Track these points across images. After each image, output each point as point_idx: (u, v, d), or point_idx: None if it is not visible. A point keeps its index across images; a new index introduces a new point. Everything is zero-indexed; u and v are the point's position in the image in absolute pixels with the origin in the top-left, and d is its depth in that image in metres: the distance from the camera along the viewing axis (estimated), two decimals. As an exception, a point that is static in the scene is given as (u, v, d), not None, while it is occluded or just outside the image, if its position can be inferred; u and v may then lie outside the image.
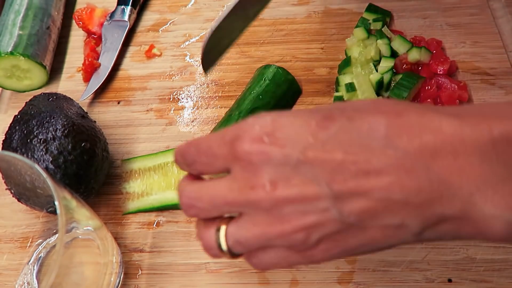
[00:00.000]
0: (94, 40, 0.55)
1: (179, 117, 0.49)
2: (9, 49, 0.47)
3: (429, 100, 0.45)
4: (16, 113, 0.42)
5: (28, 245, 0.42)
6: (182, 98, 0.50)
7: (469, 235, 0.25)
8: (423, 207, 0.24)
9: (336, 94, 0.47)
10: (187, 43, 0.55)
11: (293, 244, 0.26)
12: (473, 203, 0.23)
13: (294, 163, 0.25)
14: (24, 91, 0.51)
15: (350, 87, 0.46)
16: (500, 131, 0.23)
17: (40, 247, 0.41)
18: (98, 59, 0.53)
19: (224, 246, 0.28)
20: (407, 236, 0.25)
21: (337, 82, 0.48)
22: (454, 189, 0.23)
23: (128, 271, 0.40)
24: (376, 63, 0.48)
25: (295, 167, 0.25)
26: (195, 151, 0.28)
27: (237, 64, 0.52)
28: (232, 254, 0.28)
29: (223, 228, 0.28)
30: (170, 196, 0.43)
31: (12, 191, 0.39)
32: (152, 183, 0.44)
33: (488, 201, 0.23)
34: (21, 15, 0.50)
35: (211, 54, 0.39)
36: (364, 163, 0.24)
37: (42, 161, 0.37)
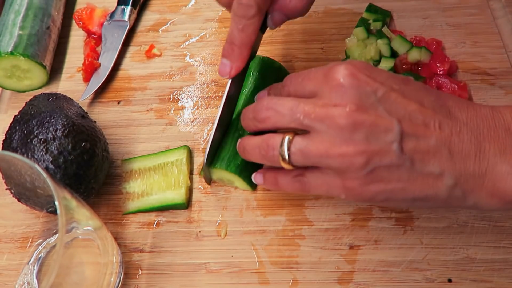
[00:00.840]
0: (94, 40, 0.55)
1: (179, 117, 0.49)
2: (9, 49, 0.47)
3: (429, 100, 0.45)
4: (16, 113, 0.42)
5: (28, 245, 0.42)
6: (182, 98, 0.50)
7: (487, 195, 0.30)
8: (461, 163, 0.30)
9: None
10: (187, 43, 0.55)
11: (350, 167, 0.30)
12: (495, 163, 0.29)
13: (378, 97, 0.30)
14: (24, 91, 0.51)
15: None
16: None
17: (40, 247, 0.41)
18: (98, 59, 0.53)
19: (285, 150, 0.32)
20: (442, 188, 0.30)
21: (337, 82, 0.48)
22: (485, 152, 0.30)
23: (128, 271, 0.40)
24: (376, 63, 0.48)
25: (378, 100, 0.30)
26: (292, 75, 0.35)
27: (237, 64, 0.52)
28: (288, 161, 0.32)
29: (290, 136, 0.32)
30: (170, 196, 0.43)
31: (12, 191, 0.39)
32: (152, 183, 0.44)
33: (506, 162, 0.29)
34: (21, 15, 0.50)
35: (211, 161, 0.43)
36: (430, 117, 0.30)
37: (42, 161, 0.37)
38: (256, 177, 0.38)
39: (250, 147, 0.35)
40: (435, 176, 0.30)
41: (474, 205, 0.31)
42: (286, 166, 0.33)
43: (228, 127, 0.43)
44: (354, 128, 0.29)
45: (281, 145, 0.32)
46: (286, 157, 0.32)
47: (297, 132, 0.32)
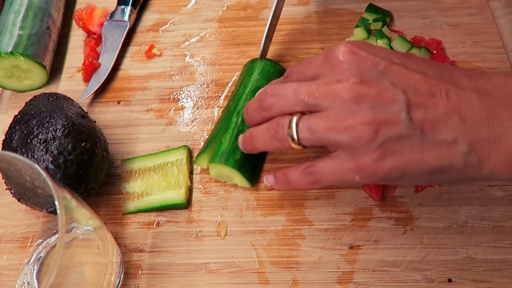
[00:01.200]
0: (94, 40, 0.55)
1: (179, 117, 0.49)
2: (9, 49, 0.47)
3: (429, 100, 0.45)
4: (16, 113, 0.42)
5: (28, 245, 0.42)
6: (182, 98, 0.50)
7: (503, 162, 0.29)
8: (474, 129, 0.29)
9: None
10: (187, 43, 0.55)
11: (359, 140, 0.29)
12: (509, 128, 0.29)
13: (380, 70, 0.30)
14: (24, 91, 0.51)
15: None
16: None
17: (40, 247, 0.41)
18: (98, 59, 0.53)
19: (294, 129, 0.32)
20: (457, 156, 0.29)
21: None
22: (499, 117, 0.29)
23: (128, 271, 0.40)
24: (376, 63, 0.48)
25: (380, 73, 0.30)
26: (295, 65, 0.35)
27: (237, 64, 0.52)
28: (297, 140, 0.32)
29: (297, 116, 0.32)
30: (170, 196, 0.43)
31: (12, 191, 0.39)
32: (152, 183, 0.44)
33: None
34: (21, 15, 0.50)
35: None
36: (435, 86, 0.30)
37: (42, 161, 0.37)
38: (267, 179, 0.38)
39: (258, 131, 0.35)
40: (449, 144, 0.29)
41: (490, 174, 0.30)
42: (295, 146, 0.32)
43: (227, 124, 0.43)
44: (358, 100, 0.29)
45: (289, 124, 0.32)
46: (295, 135, 0.32)
47: (304, 113, 0.33)
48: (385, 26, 0.51)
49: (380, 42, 0.49)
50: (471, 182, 0.38)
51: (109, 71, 0.52)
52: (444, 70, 0.31)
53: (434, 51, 0.48)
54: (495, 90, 0.30)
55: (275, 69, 0.47)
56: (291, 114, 0.33)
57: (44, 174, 0.30)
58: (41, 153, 0.38)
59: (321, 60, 0.32)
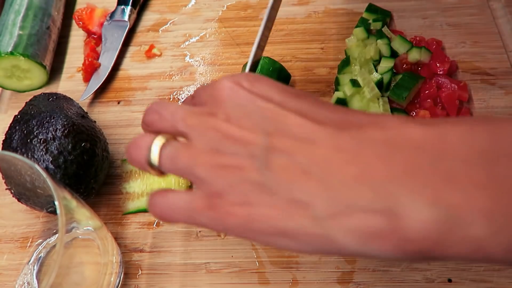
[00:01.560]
0: (94, 40, 0.55)
1: (179, 117, 0.49)
2: (9, 49, 0.47)
3: (429, 100, 0.45)
4: (16, 113, 0.42)
5: (28, 245, 0.42)
6: (182, 98, 0.50)
7: (385, 244, 0.21)
8: (335, 190, 0.23)
9: (336, 93, 0.47)
10: (187, 43, 0.55)
11: (214, 178, 0.26)
12: (388, 193, 0.22)
13: (251, 109, 0.27)
14: (24, 91, 0.51)
15: (355, 83, 0.46)
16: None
17: (40, 247, 0.41)
18: (98, 59, 0.53)
19: (155, 152, 0.28)
20: (307, 222, 0.23)
21: (337, 82, 0.48)
22: (370, 177, 0.22)
23: (128, 271, 0.40)
24: (376, 63, 0.48)
25: (251, 112, 0.27)
26: (203, 85, 0.33)
27: (237, 64, 0.52)
28: (155, 165, 0.28)
29: (164, 138, 0.29)
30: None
31: (12, 191, 0.39)
32: (152, 183, 0.44)
33: (414, 193, 0.21)
34: (21, 15, 0.50)
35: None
36: (310, 132, 0.25)
37: (42, 161, 0.37)
38: None
39: (130, 143, 0.31)
40: (302, 204, 0.24)
41: (361, 251, 0.22)
42: (151, 171, 0.29)
43: None
44: (221, 139, 0.27)
45: (152, 145, 0.29)
46: (155, 160, 0.28)
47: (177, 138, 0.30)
48: (385, 26, 0.51)
49: (380, 42, 0.49)
50: (332, 255, 0.29)
51: (109, 71, 0.52)
52: (334, 113, 0.26)
53: (434, 51, 0.48)
54: (381, 144, 0.23)
55: (274, 67, 0.47)
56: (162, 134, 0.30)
57: (44, 174, 0.30)
58: (41, 153, 0.38)
59: (210, 88, 0.30)
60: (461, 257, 0.20)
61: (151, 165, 0.29)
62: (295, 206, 0.24)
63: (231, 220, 0.26)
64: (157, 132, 0.30)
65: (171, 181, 0.43)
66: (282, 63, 0.49)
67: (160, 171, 0.29)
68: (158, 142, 0.29)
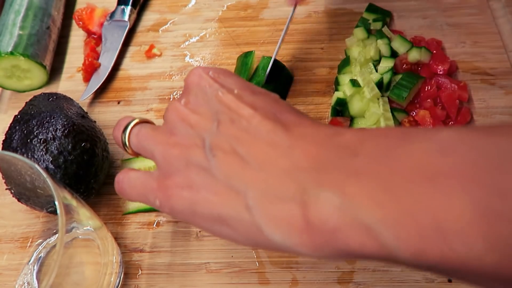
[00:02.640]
0: (94, 40, 0.55)
1: (179, 117, 0.49)
2: (9, 49, 0.47)
3: (429, 100, 0.45)
4: (16, 113, 0.42)
5: (28, 245, 0.42)
6: (182, 98, 0.50)
7: (298, 229, 0.23)
8: (266, 181, 0.25)
9: (336, 93, 0.47)
10: (187, 43, 0.55)
11: (166, 158, 0.28)
12: (306, 185, 0.23)
13: (210, 95, 0.29)
14: (24, 91, 0.51)
15: (355, 83, 0.46)
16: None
17: (40, 247, 0.41)
18: (98, 59, 0.53)
19: (127, 131, 0.32)
20: (242, 210, 0.25)
21: (336, 82, 0.48)
22: (296, 171, 0.24)
23: (128, 271, 0.40)
24: (376, 63, 0.48)
25: (209, 100, 0.29)
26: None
27: (237, 64, 0.52)
28: (126, 142, 0.32)
29: (137, 119, 0.32)
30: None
31: (12, 191, 0.39)
32: (152, 183, 0.44)
33: (323, 184, 0.23)
34: (21, 15, 0.50)
35: None
36: (256, 124, 0.27)
37: (42, 161, 0.37)
38: None
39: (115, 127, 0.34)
40: (237, 192, 0.25)
41: (283, 243, 0.23)
42: (127, 150, 0.32)
43: None
44: (180, 121, 0.29)
45: (127, 126, 0.32)
46: (125, 138, 0.32)
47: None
48: (385, 26, 0.51)
49: (380, 42, 0.49)
50: (265, 248, 0.28)
51: (109, 71, 0.52)
52: (281, 113, 0.28)
53: (434, 51, 0.48)
54: (317, 141, 0.25)
55: (276, 66, 0.47)
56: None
57: (44, 174, 0.30)
58: (41, 153, 0.38)
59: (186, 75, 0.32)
60: (365, 252, 0.22)
61: (124, 143, 0.32)
62: (233, 192, 0.25)
63: (177, 202, 0.27)
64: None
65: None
66: (282, 63, 0.49)
67: (133, 150, 0.32)
68: (132, 123, 0.32)
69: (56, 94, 0.44)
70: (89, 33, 0.55)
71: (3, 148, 0.40)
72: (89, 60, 0.52)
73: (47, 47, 0.51)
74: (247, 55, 0.48)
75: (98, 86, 0.50)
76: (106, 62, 0.52)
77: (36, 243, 0.42)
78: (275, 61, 0.47)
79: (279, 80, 0.47)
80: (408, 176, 0.21)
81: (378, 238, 0.21)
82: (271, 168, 0.25)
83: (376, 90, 0.45)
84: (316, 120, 0.29)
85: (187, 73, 0.32)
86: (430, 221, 0.19)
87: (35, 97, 0.44)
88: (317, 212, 0.22)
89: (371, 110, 0.45)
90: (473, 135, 0.21)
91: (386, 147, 0.23)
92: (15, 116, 0.41)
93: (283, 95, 0.48)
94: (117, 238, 0.42)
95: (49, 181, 0.29)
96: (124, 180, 0.31)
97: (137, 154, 0.32)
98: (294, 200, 0.23)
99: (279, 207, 0.24)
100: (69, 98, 0.45)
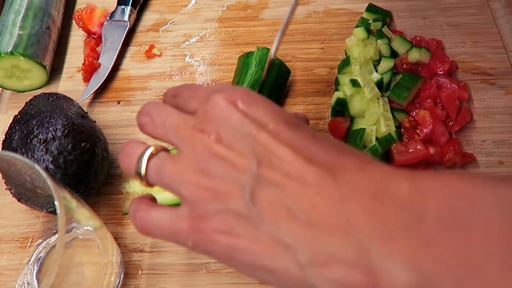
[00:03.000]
0: (94, 40, 0.55)
1: (179, 117, 0.49)
2: (9, 49, 0.47)
3: (429, 100, 0.45)
4: (16, 113, 0.42)
5: (28, 245, 0.42)
6: (182, 98, 0.50)
7: None
8: (319, 238, 0.23)
9: (336, 93, 0.47)
10: (187, 43, 0.55)
11: (198, 200, 0.26)
12: (370, 250, 0.21)
13: (244, 134, 0.26)
14: (24, 91, 0.51)
15: (355, 83, 0.46)
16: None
17: (40, 247, 0.41)
18: (98, 59, 0.53)
19: (142, 163, 0.28)
20: (290, 265, 0.23)
21: (336, 82, 0.48)
22: (354, 230, 0.22)
23: (128, 271, 0.40)
24: (376, 63, 0.48)
25: (243, 137, 0.26)
26: (186, 86, 0.32)
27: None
28: (143, 175, 0.28)
29: (155, 149, 0.28)
30: (170, 196, 0.42)
31: (12, 191, 0.39)
32: (152, 183, 0.44)
33: (394, 255, 0.21)
34: (21, 15, 0.50)
35: None
36: (302, 167, 0.24)
37: (42, 161, 0.37)
38: None
39: (122, 149, 0.30)
40: (286, 246, 0.23)
41: None
42: (140, 181, 0.28)
43: None
44: (211, 160, 0.26)
45: (142, 156, 0.28)
46: (141, 170, 0.28)
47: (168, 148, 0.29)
48: (385, 26, 0.51)
49: (380, 42, 0.49)
50: None
51: (109, 71, 0.52)
52: (324, 152, 0.25)
53: (434, 51, 0.48)
54: (368, 192, 0.23)
55: (274, 62, 0.46)
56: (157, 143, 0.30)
57: (44, 174, 0.30)
58: (41, 153, 0.38)
59: (203, 98, 0.28)
60: None
61: (139, 175, 0.28)
62: (279, 246, 0.23)
63: (214, 247, 0.25)
64: (150, 136, 0.30)
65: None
66: (279, 59, 0.49)
67: (149, 183, 0.28)
68: (147, 153, 0.28)
69: (56, 94, 0.44)
70: (89, 33, 0.55)
71: (3, 148, 0.40)
72: (89, 60, 0.52)
73: (47, 47, 0.51)
74: (248, 55, 0.47)
75: (98, 86, 0.50)
76: (106, 62, 0.52)
77: (36, 243, 0.42)
78: (267, 50, 0.47)
79: (276, 76, 0.47)
80: (489, 249, 0.19)
81: None
82: (324, 224, 0.23)
83: (376, 90, 0.45)
84: (359, 153, 0.26)
85: (205, 98, 0.28)
86: None
87: (35, 97, 0.44)
88: (390, 285, 0.21)
89: (371, 110, 0.45)
90: None
91: (454, 208, 0.20)
92: (15, 116, 0.41)
93: (281, 91, 0.48)
94: (117, 238, 0.42)
95: (49, 181, 0.29)
96: (147, 219, 0.28)
97: (150, 185, 0.29)
98: (356, 265, 0.22)
99: (337, 269, 0.22)
100: (69, 98, 0.45)
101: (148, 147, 0.28)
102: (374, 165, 0.25)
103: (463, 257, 0.19)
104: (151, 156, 0.28)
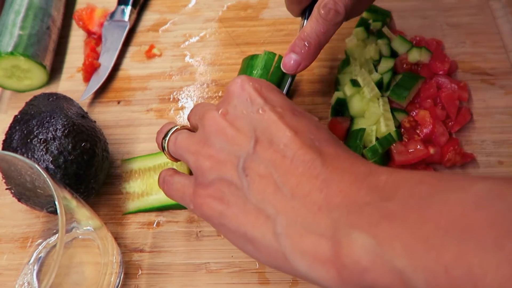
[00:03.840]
0: (94, 40, 0.55)
1: (179, 117, 0.49)
2: (9, 49, 0.47)
3: (429, 100, 0.45)
4: (16, 113, 0.42)
5: (28, 245, 0.42)
6: (182, 98, 0.50)
7: (325, 263, 0.24)
8: (297, 211, 0.25)
9: (336, 93, 0.47)
10: (187, 43, 0.55)
11: (199, 168, 0.30)
12: (338, 222, 0.24)
13: (253, 110, 0.29)
14: (24, 91, 0.51)
15: (355, 83, 0.46)
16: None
17: (40, 247, 0.41)
18: (98, 59, 0.53)
19: (167, 137, 0.34)
20: (268, 234, 0.26)
21: (336, 82, 0.48)
22: (328, 207, 0.24)
23: (128, 271, 0.40)
24: (376, 63, 0.48)
25: (251, 113, 0.29)
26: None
27: (237, 64, 0.52)
28: (165, 148, 0.34)
29: (179, 126, 0.34)
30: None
31: (12, 191, 0.39)
32: (152, 183, 0.44)
33: (358, 226, 0.23)
34: (21, 15, 0.50)
35: None
36: (294, 149, 0.27)
37: (42, 161, 0.37)
38: None
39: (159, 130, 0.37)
40: (267, 216, 0.26)
41: (307, 273, 0.24)
42: (166, 155, 0.35)
43: None
44: (216, 133, 0.29)
45: (168, 131, 0.34)
46: (165, 143, 0.34)
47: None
48: (385, 26, 0.51)
49: (380, 42, 0.49)
50: (288, 273, 0.28)
51: (109, 71, 0.52)
52: (324, 141, 0.28)
53: (434, 51, 0.48)
54: (349, 177, 0.26)
55: (278, 64, 0.46)
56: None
57: (44, 174, 0.30)
58: (41, 153, 0.38)
59: (230, 82, 0.32)
60: None
61: (163, 148, 0.34)
62: (262, 216, 0.26)
63: (208, 212, 0.29)
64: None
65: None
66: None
67: (171, 155, 0.34)
68: (172, 130, 0.34)
69: (56, 94, 0.44)
70: (89, 33, 0.55)
71: (3, 148, 0.40)
72: (89, 60, 0.52)
73: (47, 47, 0.51)
74: (253, 57, 0.47)
75: (98, 86, 0.50)
76: (106, 62, 0.52)
77: (36, 243, 0.42)
78: (273, 54, 0.47)
79: (281, 78, 0.47)
80: (441, 225, 0.21)
81: (408, 283, 0.21)
82: (304, 199, 0.25)
83: (376, 90, 0.45)
84: (352, 152, 0.28)
85: (232, 83, 0.31)
86: (462, 273, 0.19)
87: (35, 97, 0.44)
88: (349, 251, 0.23)
89: (371, 110, 0.45)
90: (509, 189, 0.20)
91: (420, 194, 0.23)
92: (15, 116, 0.41)
93: (282, 88, 0.48)
94: (117, 238, 0.42)
95: (49, 181, 0.29)
96: (169, 182, 0.33)
97: (176, 159, 0.35)
98: (324, 236, 0.24)
99: (308, 239, 0.24)
100: (69, 98, 0.45)
101: (175, 126, 0.34)
102: (362, 161, 0.27)
103: (414, 228, 0.21)
104: (174, 132, 0.33)
